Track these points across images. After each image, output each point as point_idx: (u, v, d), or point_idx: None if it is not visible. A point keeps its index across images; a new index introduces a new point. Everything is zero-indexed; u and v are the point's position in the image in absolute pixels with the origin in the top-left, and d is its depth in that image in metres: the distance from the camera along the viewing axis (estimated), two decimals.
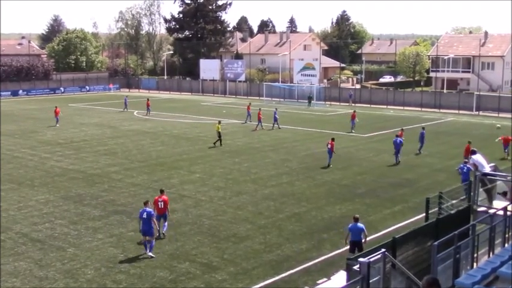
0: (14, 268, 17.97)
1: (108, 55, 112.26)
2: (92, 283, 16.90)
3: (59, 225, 22.23)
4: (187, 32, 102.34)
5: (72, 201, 25.68)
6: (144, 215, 18.71)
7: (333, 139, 33.75)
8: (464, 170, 24.90)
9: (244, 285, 16.80)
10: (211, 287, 16.71)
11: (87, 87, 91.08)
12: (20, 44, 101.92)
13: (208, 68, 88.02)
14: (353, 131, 45.88)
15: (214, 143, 39.68)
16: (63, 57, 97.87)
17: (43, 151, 38.07)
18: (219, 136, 39.65)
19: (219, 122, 40.83)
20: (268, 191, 27.68)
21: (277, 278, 17.39)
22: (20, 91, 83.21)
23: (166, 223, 20.97)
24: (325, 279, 17.15)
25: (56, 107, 52.10)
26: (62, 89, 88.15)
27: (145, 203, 19.33)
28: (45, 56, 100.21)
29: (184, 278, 17.30)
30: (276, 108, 50.11)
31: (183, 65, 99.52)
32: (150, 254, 18.89)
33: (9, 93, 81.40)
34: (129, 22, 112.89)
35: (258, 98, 76.21)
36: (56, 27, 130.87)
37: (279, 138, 43.52)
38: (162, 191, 21.28)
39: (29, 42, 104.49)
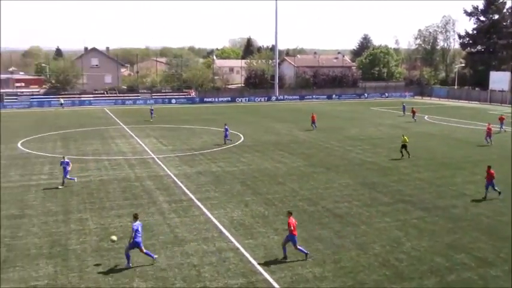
0: (318, 234, 19.10)
1: (406, 67, 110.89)
2: (378, 257, 16.92)
3: (355, 206, 22.78)
4: (479, 47, 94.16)
5: (367, 187, 26.08)
6: (139, 228, 15.89)
7: (489, 166, 24.05)
8: None
9: None
10: (485, 281, 15.20)
11: (386, 94, 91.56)
12: (335, 58, 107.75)
13: (498, 80, 79.83)
14: None
15: (408, 153, 33.38)
16: (368, 68, 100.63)
17: (347, 144, 39.49)
18: (403, 147, 33.29)
19: (404, 135, 34.90)
20: None
21: None
22: (333, 95, 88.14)
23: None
24: None
25: (312, 113, 50.54)
26: (365, 95, 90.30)
27: (135, 216, 16.18)
28: (355, 67, 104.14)
29: (459, 268, 16.08)
30: None
31: (473, 76, 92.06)
32: (155, 256, 16.41)
33: (325, 96, 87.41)
34: (426, 39, 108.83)
35: None
36: (364, 44, 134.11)
37: None
38: (290, 212, 16.92)
39: (343, 56, 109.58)
